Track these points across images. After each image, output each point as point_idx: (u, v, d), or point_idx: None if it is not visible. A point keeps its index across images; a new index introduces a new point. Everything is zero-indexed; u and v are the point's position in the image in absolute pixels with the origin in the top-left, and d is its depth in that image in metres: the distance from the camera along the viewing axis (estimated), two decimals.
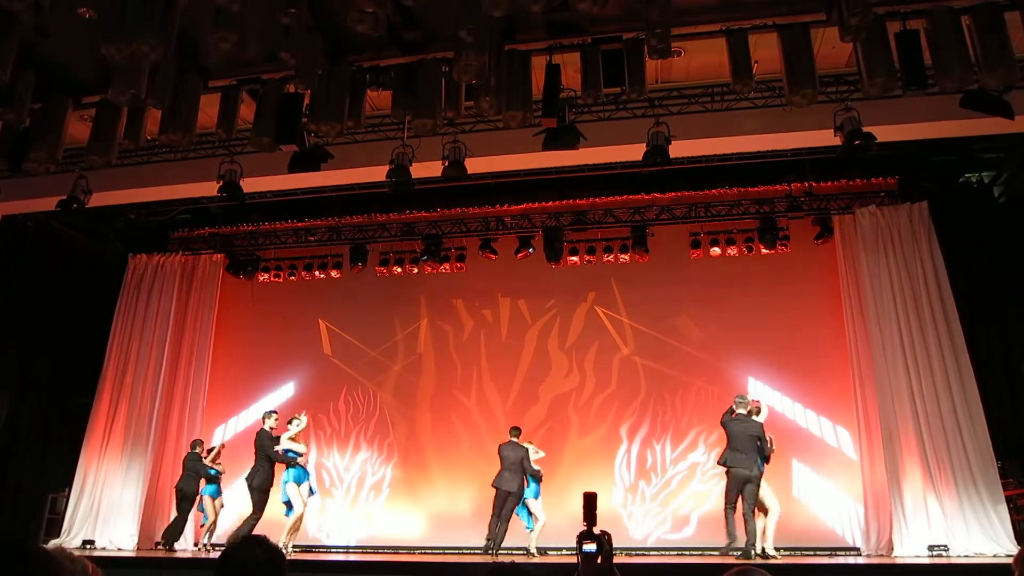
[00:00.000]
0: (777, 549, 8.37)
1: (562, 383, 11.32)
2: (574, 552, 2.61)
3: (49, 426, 11.68)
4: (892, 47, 6.15)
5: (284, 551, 8.70)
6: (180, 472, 10.73)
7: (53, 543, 10.41)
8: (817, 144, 8.41)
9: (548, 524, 9.54)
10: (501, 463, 9.46)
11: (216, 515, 10.38)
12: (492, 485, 9.42)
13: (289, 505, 9.35)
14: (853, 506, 9.89)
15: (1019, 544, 8.32)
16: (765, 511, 8.37)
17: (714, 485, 10.34)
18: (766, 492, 8.37)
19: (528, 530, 9.57)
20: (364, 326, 12.06)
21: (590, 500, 2.71)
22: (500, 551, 9.90)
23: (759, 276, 10.94)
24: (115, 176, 8.99)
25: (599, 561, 2.55)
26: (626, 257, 11.03)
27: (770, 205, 10.75)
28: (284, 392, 11.98)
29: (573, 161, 8.83)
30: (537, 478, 9.58)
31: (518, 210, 11.50)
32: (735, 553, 8.09)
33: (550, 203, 11.39)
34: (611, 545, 2.57)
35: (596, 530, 2.60)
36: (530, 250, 11.12)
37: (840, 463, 10.12)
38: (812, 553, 9.29)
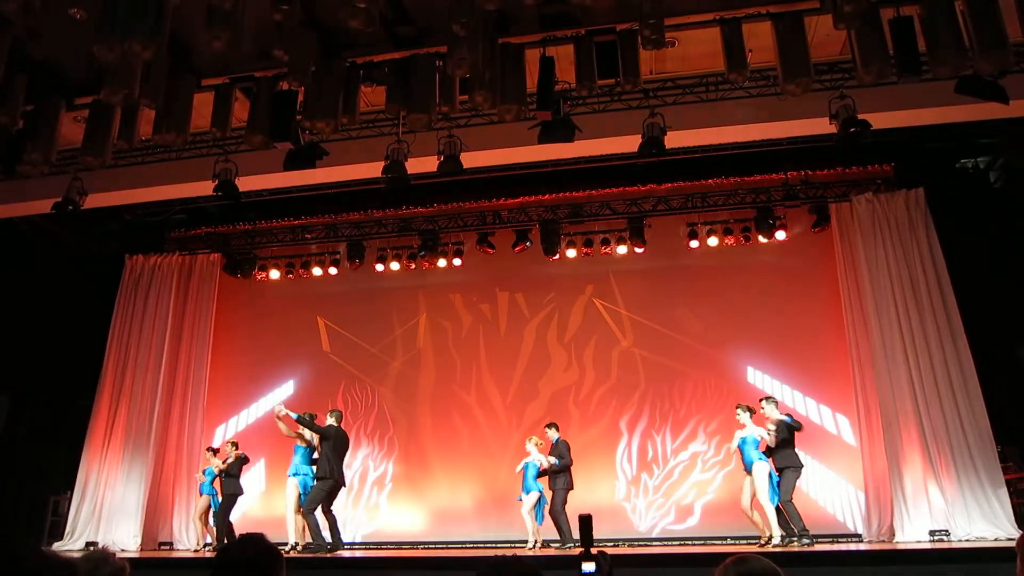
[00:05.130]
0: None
1: (562, 377, 11.32)
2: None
3: (49, 428, 11.68)
4: (886, 34, 6.14)
5: (296, 551, 8.78)
6: (182, 471, 10.81)
7: (56, 545, 10.44)
8: (813, 132, 8.38)
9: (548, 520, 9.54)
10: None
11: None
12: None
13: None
14: (854, 493, 9.92)
15: (1020, 527, 8.36)
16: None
17: (716, 473, 10.39)
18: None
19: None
20: (363, 323, 12.06)
21: (586, 523, 2.69)
22: (502, 545, 9.93)
23: (757, 265, 10.95)
24: (110, 177, 8.98)
25: None
26: (623, 249, 11.03)
27: (767, 194, 10.76)
28: (284, 390, 11.97)
29: (569, 154, 8.84)
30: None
31: (515, 204, 11.50)
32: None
33: (546, 196, 11.37)
34: (609, 565, 2.55)
35: (594, 550, 2.59)
36: (527, 244, 11.12)
37: (840, 450, 10.14)
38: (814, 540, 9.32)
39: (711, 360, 10.85)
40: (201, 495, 10.49)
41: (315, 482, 9.24)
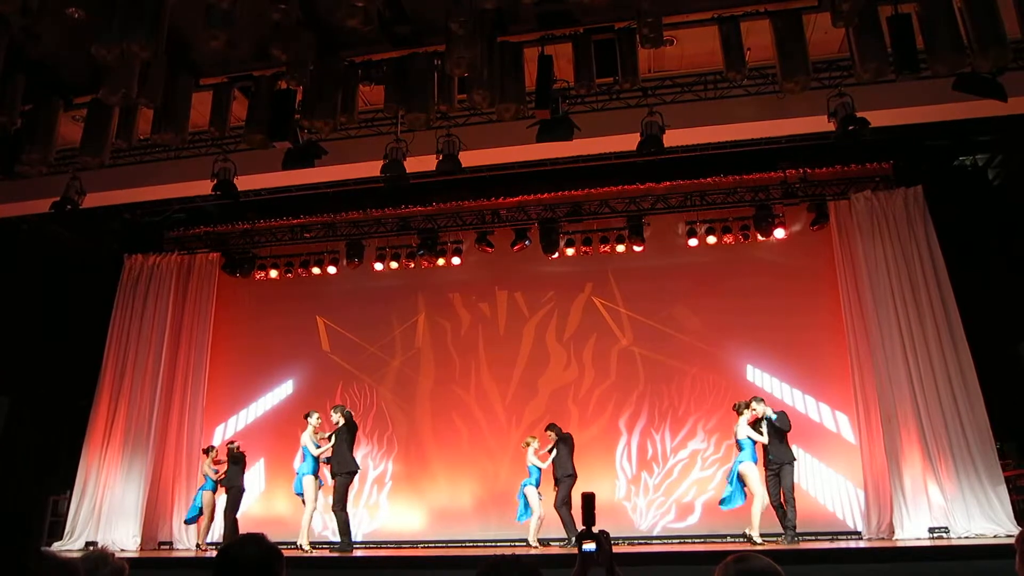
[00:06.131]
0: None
1: (561, 375, 11.32)
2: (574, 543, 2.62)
3: (49, 429, 11.68)
4: (884, 31, 6.14)
5: (305, 551, 8.82)
6: (181, 471, 10.80)
7: (56, 545, 10.44)
8: (811, 130, 8.38)
9: (551, 517, 9.56)
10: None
11: (213, 514, 10.42)
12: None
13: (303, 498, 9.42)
14: (853, 490, 9.93)
15: (1019, 524, 8.38)
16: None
17: (716, 471, 10.39)
18: (758, 478, 8.63)
19: (519, 521, 9.65)
20: (362, 322, 12.06)
21: (588, 500, 2.71)
22: (501, 544, 9.95)
23: (755, 263, 10.96)
24: (109, 176, 8.96)
25: (598, 560, 2.55)
26: (622, 247, 11.04)
27: (765, 192, 10.76)
28: (283, 390, 11.98)
29: (567, 152, 8.84)
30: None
31: (513, 202, 11.49)
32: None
33: (545, 195, 11.36)
34: (610, 545, 2.57)
35: (595, 529, 2.60)
36: (526, 242, 11.12)
37: (840, 448, 10.15)
38: (813, 538, 9.33)
39: (710, 358, 10.85)
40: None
41: (341, 476, 9.31)
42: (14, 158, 7.08)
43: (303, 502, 9.46)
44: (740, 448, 8.76)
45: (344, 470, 9.26)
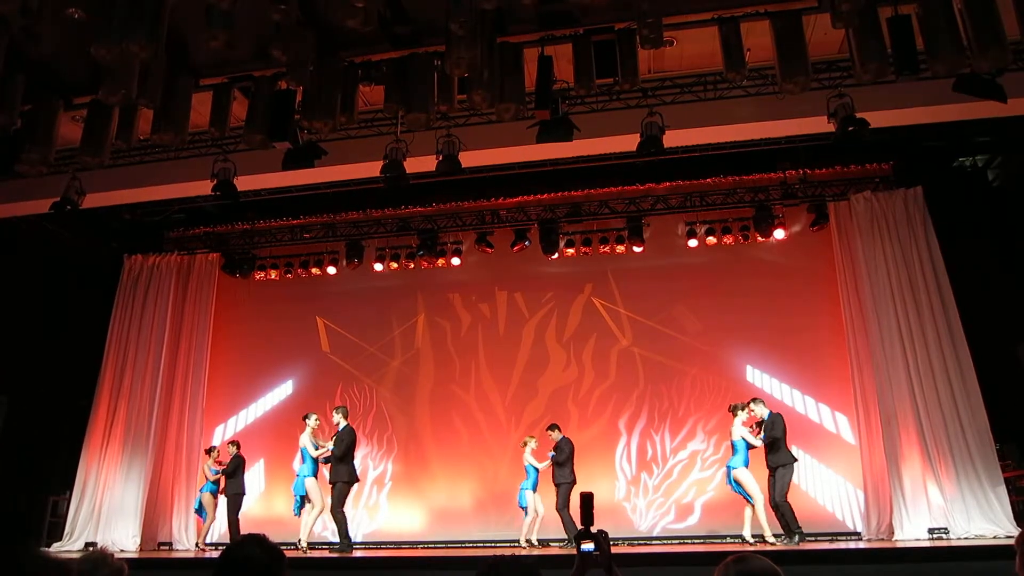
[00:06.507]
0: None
1: (561, 376, 11.33)
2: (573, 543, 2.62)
3: (49, 428, 11.68)
4: (884, 32, 6.14)
5: (303, 550, 8.81)
6: (181, 471, 10.79)
7: (55, 546, 10.43)
8: (811, 131, 8.39)
9: (551, 518, 9.57)
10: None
11: (214, 514, 10.43)
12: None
13: (304, 499, 9.38)
14: (853, 491, 9.93)
15: (1019, 525, 8.38)
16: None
17: (715, 472, 10.39)
18: (752, 481, 8.65)
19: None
20: (361, 322, 12.06)
21: (587, 500, 2.71)
22: (501, 544, 9.96)
23: (755, 264, 10.96)
24: (108, 177, 8.96)
25: (597, 561, 2.56)
26: (622, 248, 11.04)
27: (765, 193, 10.76)
28: (283, 390, 11.98)
29: (567, 153, 8.84)
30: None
31: (513, 203, 11.50)
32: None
33: (545, 195, 11.37)
34: (609, 545, 2.57)
35: (594, 529, 2.60)
36: (526, 243, 11.12)
37: (839, 449, 10.15)
38: (813, 539, 9.32)
39: (710, 359, 10.85)
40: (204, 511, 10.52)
41: (340, 484, 9.25)
42: (14, 158, 7.07)
43: (299, 506, 9.42)
44: (734, 450, 8.78)
45: (341, 480, 9.22)
